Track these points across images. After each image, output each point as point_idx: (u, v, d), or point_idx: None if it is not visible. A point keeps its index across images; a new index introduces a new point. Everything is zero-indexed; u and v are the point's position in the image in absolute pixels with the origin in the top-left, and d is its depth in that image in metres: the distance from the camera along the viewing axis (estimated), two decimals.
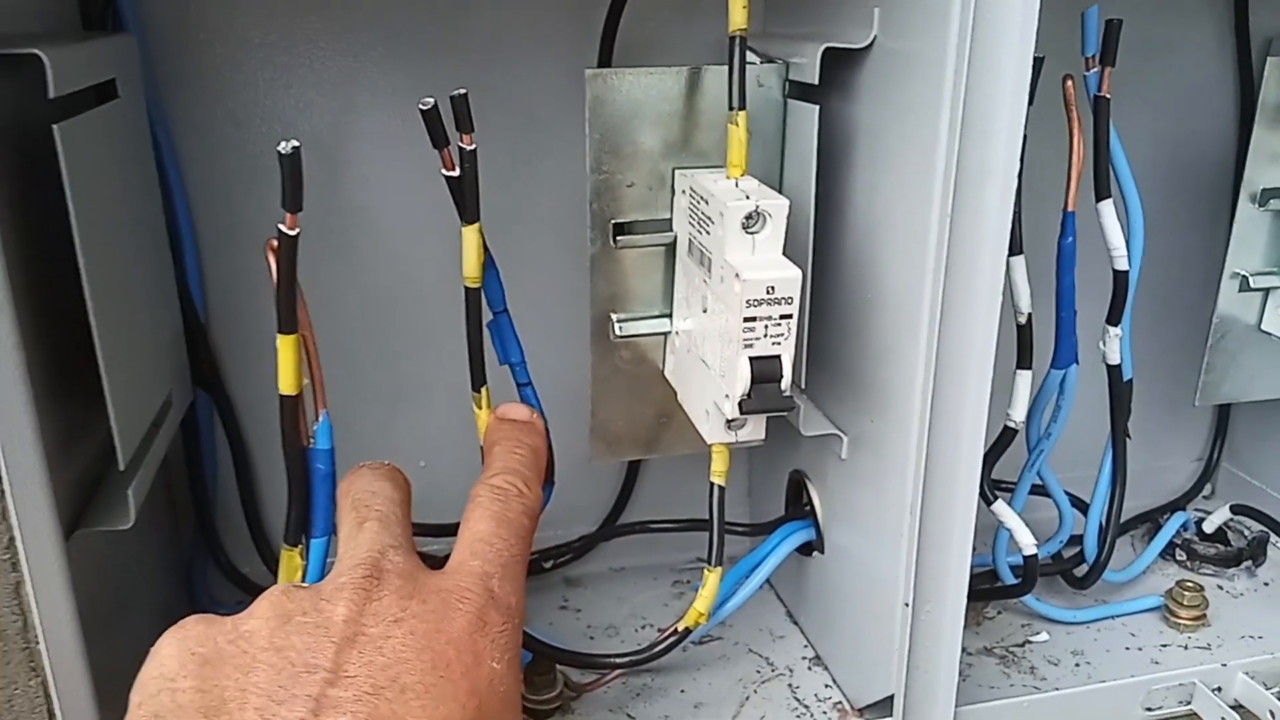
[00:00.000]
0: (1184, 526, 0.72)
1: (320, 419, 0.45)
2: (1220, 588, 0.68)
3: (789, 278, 0.43)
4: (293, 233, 0.40)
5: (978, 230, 0.45)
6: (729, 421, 0.46)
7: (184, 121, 0.56)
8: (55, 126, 0.38)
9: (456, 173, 0.47)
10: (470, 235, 0.48)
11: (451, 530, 0.61)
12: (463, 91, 0.45)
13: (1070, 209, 0.53)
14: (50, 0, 0.48)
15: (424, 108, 0.44)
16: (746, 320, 0.43)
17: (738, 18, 0.45)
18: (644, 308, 0.53)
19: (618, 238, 0.51)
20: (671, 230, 0.51)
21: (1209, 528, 0.71)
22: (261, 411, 0.61)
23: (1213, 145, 0.70)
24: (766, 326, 0.44)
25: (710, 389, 0.47)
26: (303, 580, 0.46)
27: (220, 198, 0.57)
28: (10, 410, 0.37)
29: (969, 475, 0.48)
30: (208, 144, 0.57)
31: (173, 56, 0.55)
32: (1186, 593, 0.64)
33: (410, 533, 0.39)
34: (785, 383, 0.44)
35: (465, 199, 0.47)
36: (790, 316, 0.44)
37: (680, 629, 0.53)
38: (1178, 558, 0.71)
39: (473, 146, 0.46)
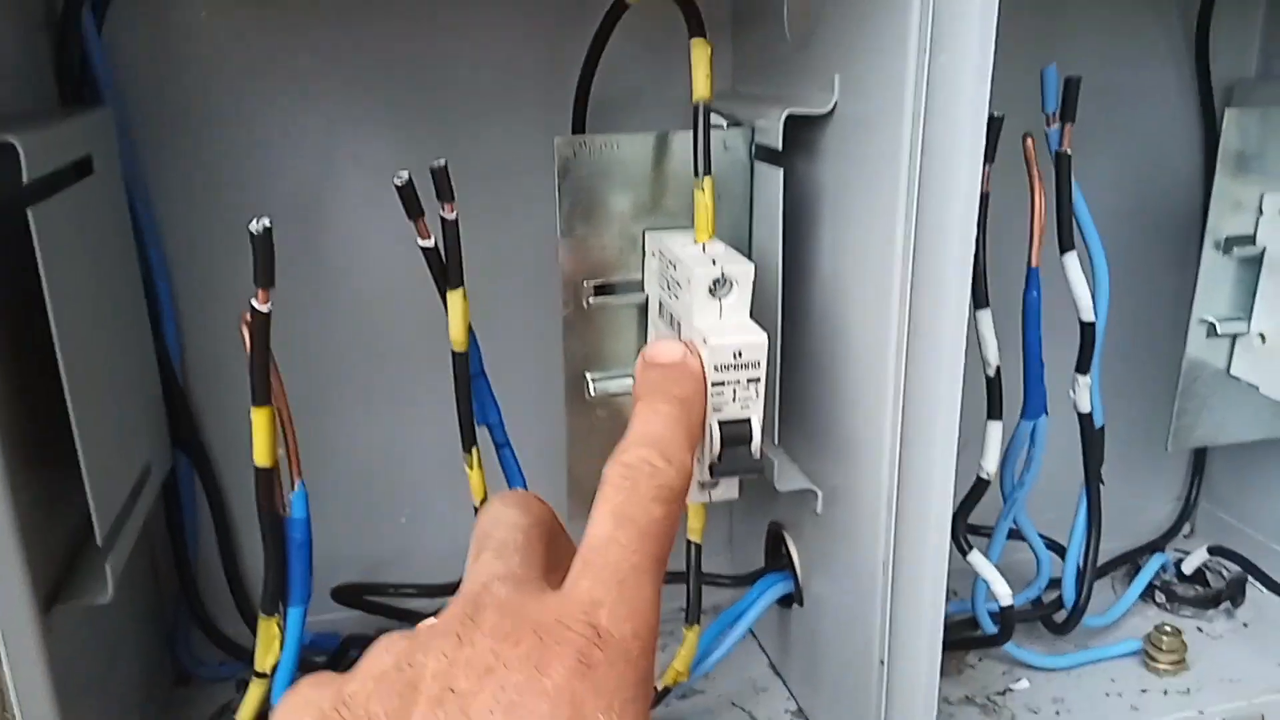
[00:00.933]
0: (1163, 568, 0.72)
1: (296, 488, 0.45)
2: (1200, 629, 0.68)
3: (755, 342, 0.44)
4: (265, 308, 0.41)
5: (939, 286, 0.45)
6: (702, 483, 0.47)
7: (161, 189, 0.57)
8: (29, 210, 0.39)
9: (431, 243, 0.48)
10: (455, 301, 0.49)
11: (441, 590, 0.62)
12: (442, 163, 0.46)
13: (1034, 264, 0.54)
14: (27, 77, 0.49)
15: (399, 183, 0.45)
16: (715, 384, 0.44)
17: (701, 87, 0.46)
18: (618, 366, 0.54)
19: (590, 299, 0.52)
20: (643, 291, 0.52)
21: (1188, 568, 0.72)
22: (242, 472, 0.61)
23: (1179, 191, 0.71)
24: (735, 390, 0.44)
25: None
26: (280, 649, 0.46)
27: (198, 261, 0.58)
28: None
29: (939, 529, 0.48)
30: (186, 210, 0.57)
31: (150, 126, 0.56)
32: (1165, 637, 0.64)
33: (537, 557, 0.34)
34: (755, 445, 0.45)
35: (449, 266, 0.48)
36: (758, 380, 0.44)
37: (659, 688, 0.53)
38: (1157, 599, 0.71)
39: (454, 215, 0.47)
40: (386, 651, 0.30)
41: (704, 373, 0.42)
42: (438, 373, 0.55)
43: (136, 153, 0.55)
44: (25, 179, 0.39)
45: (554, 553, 0.35)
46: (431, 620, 0.31)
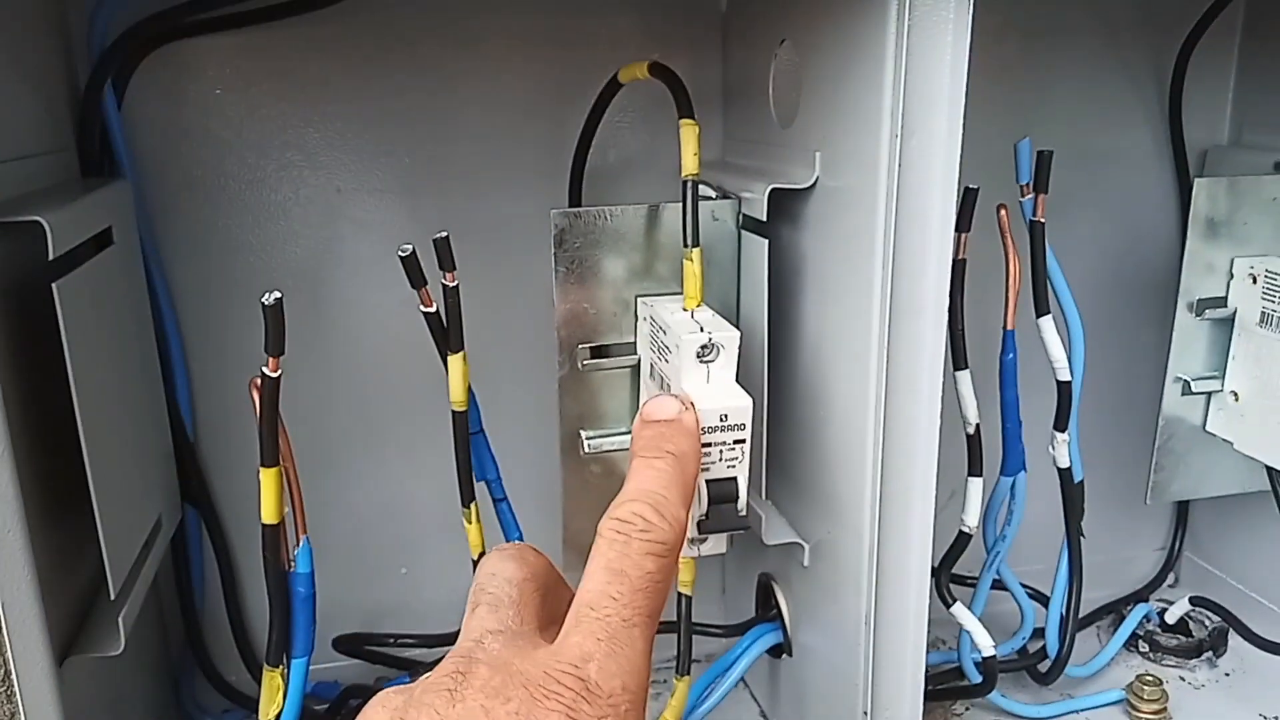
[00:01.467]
0: (1146, 618, 0.74)
1: (300, 544, 0.47)
2: (1182, 679, 0.70)
3: (741, 405, 0.46)
4: (275, 375, 0.43)
5: (915, 351, 0.48)
6: (691, 539, 0.49)
7: (176, 254, 0.59)
8: (54, 285, 0.41)
9: (433, 309, 0.50)
10: (456, 363, 0.51)
11: (439, 640, 0.63)
12: (444, 235, 0.48)
13: (1009, 327, 0.56)
14: (52, 151, 0.52)
15: (403, 254, 0.48)
16: (703, 446, 0.46)
17: (689, 165, 0.49)
18: (612, 424, 0.56)
19: (584, 361, 0.54)
20: (636, 353, 0.54)
21: (1171, 618, 0.73)
22: (248, 526, 0.64)
23: (1155, 253, 0.74)
24: (721, 451, 0.46)
25: None
26: (283, 699, 0.48)
27: (209, 323, 0.61)
28: (7, 551, 0.40)
29: (919, 583, 0.50)
30: (199, 274, 0.60)
31: (166, 195, 0.59)
32: (1147, 687, 0.65)
33: (531, 610, 0.35)
34: (741, 503, 0.47)
35: (450, 330, 0.51)
36: (744, 441, 0.46)
37: None
38: (1141, 649, 0.72)
39: (455, 284, 0.49)
40: (382, 708, 0.31)
41: (699, 428, 0.43)
42: (438, 430, 0.57)
43: (152, 222, 0.58)
44: (51, 255, 0.41)
45: (551, 603, 0.36)
46: (427, 676, 0.32)
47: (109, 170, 0.56)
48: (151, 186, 0.58)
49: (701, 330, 0.47)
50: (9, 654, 0.41)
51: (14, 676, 0.41)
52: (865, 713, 0.51)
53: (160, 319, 0.58)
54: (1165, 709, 0.65)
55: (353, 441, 0.65)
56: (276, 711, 0.48)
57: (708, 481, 0.46)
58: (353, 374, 0.64)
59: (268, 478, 0.45)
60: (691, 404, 0.44)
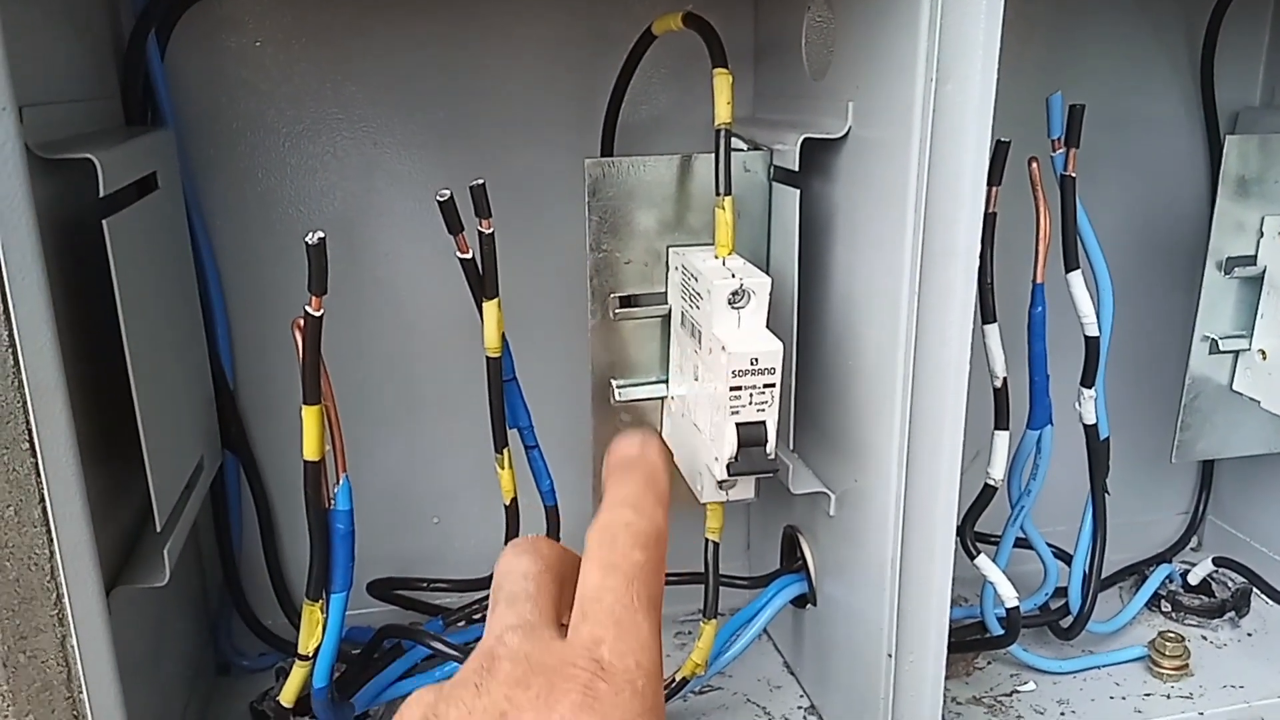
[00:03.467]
0: (1169, 578, 0.74)
1: (341, 482, 0.49)
2: (1204, 638, 0.70)
3: (771, 350, 0.47)
4: (318, 314, 0.44)
5: (945, 301, 0.48)
6: (720, 482, 0.50)
7: (217, 204, 0.60)
8: (105, 221, 0.42)
9: (469, 255, 0.51)
10: (490, 310, 0.52)
11: (471, 585, 0.65)
12: (480, 181, 0.49)
13: (1039, 281, 0.57)
14: (99, 101, 0.53)
15: (441, 199, 0.49)
16: (732, 389, 0.47)
17: (723, 113, 0.49)
18: (642, 374, 0.57)
19: (616, 310, 0.55)
20: (666, 303, 0.55)
21: (1194, 579, 0.74)
22: (286, 473, 0.65)
23: (1185, 213, 0.74)
24: (751, 395, 0.47)
25: (702, 452, 0.51)
26: (322, 633, 0.49)
27: (249, 273, 0.62)
28: (61, 480, 0.41)
29: (945, 530, 0.51)
30: (239, 225, 0.61)
31: (208, 145, 0.60)
32: (1169, 643, 0.66)
33: (549, 600, 0.37)
34: (770, 446, 0.48)
35: (485, 277, 0.52)
36: (773, 385, 0.47)
37: (679, 678, 0.56)
38: (1163, 609, 0.73)
39: (490, 230, 0.50)
40: (416, 704, 0.33)
41: (666, 455, 0.43)
42: (471, 381, 0.58)
43: (194, 172, 0.59)
44: (102, 192, 0.42)
45: (569, 591, 0.37)
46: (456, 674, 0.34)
47: (152, 120, 0.57)
48: (193, 137, 0.59)
49: (733, 276, 0.48)
50: (62, 579, 0.42)
51: (66, 601, 0.42)
52: (890, 654, 0.52)
53: (201, 267, 0.59)
54: (1187, 665, 0.66)
55: (387, 393, 0.66)
56: (316, 644, 0.50)
57: (737, 425, 0.47)
58: (388, 325, 0.65)
59: (310, 415, 0.46)
60: (657, 435, 0.45)
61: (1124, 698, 0.64)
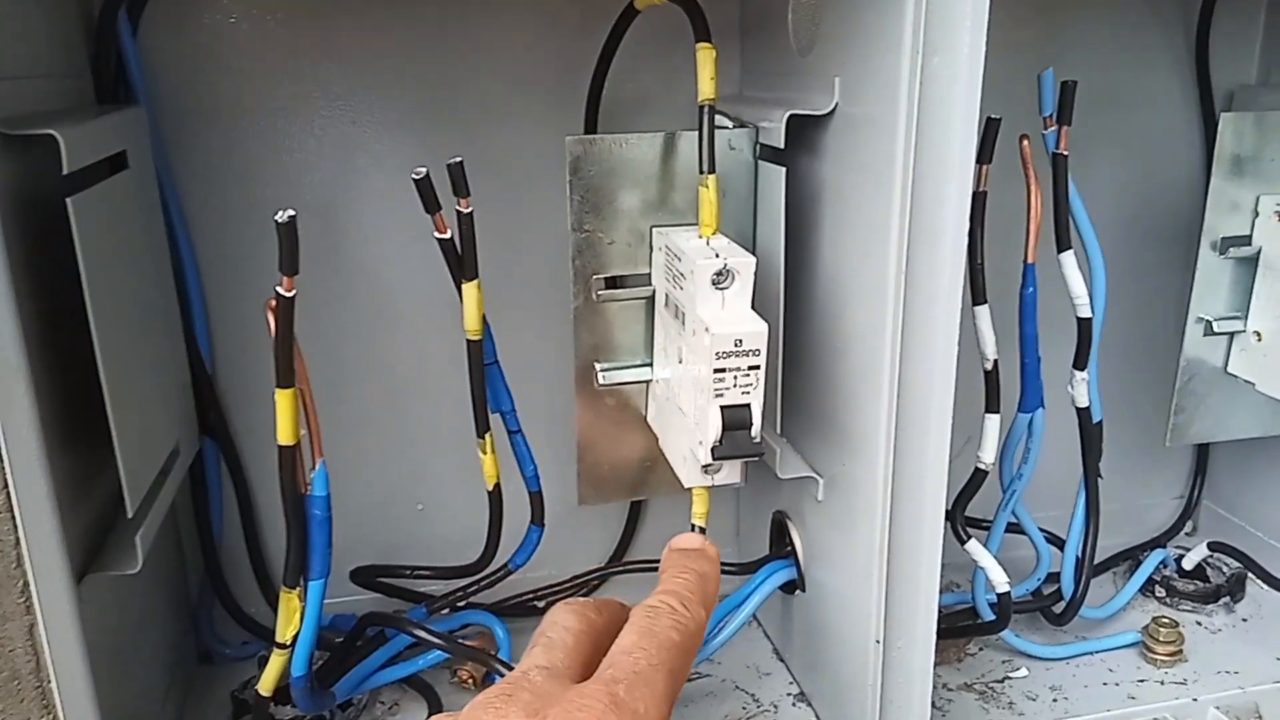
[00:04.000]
0: (1163, 563, 0.73)
1: (317, 467, 0.48)
2: (1198, 623, 0.69)
3: (756, 331, 0.46)
4: (289, 294, 0.43)
5: (933, 281, 0.47)
6: (704, 466, 0.49)
7: (192, 184, 0.59)
8: (69, 199, 0.41)
9: (447, 235, 0.50)
10: (470, 291, 0.51)
11: (455, 572, 0.64)
12: (459, 160, 0.48)
13: (1030, 260, 0.56)
14: (67, 77, 0.52)
15: (416, 177, 0.48)
16: (716, 371, 0.46)
17: (706, 89, 0.48)
18: (626, 357, 0.56)
19: (599, 292, 0.54)
20: (650, 284, 0.54)
21: (1188, 564, 0.73)
22: (265, 457, 0.64)
23: (1179, 193, 0.73)
24: (735, 377, 0.46)
25: (686, 435, 0.50)
26: (300, 621, 0.48)
27: (226, 254, 0.61)
28: (24, 462, 0.40)
29: (934, 516, 0.50)
30: (214, 205, 0.60)
31: (181, 124, 0.58)
32: (1162, 629, 0.65)
33: (580, 659, 0.41)
34: (755, 430, 0.47)
35: (464, 258, 0.50)
36: (758, 367, 0.46)
37: None
38: (1157, 594, 0.72)
39: (469, 210, 0.49)
40: None
41: (718, 560, 0.48)
42: (452, 365, 0.57)
43: (167, 150, 0.58)
44: (65, 169, 0.41)
45: (600, 658, 0.40)
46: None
47: (124, 98, 0.55)
48: (167, 115, 0.58)
49: (717, 256, 0.47)
50: (28, 566, 0.41)
51: (33, 589, 0.42)
52: (878, 640, 0.51)
53: (177, 249, 0.58)
54: (1181, 651, 0.65)
55: (367, 377, 0.65)
56: (294, 633, 0.49)
57: (721, 408, 0.46)
58: (368, 308, 0.64)
59: (283, 399, 0.45)
60: (712, 543, 0.49)
61: (1117, 684, 0.63)
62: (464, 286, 0.52)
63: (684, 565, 0.46)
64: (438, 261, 0.51)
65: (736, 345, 0.46)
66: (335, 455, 0.48)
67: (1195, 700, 0.60)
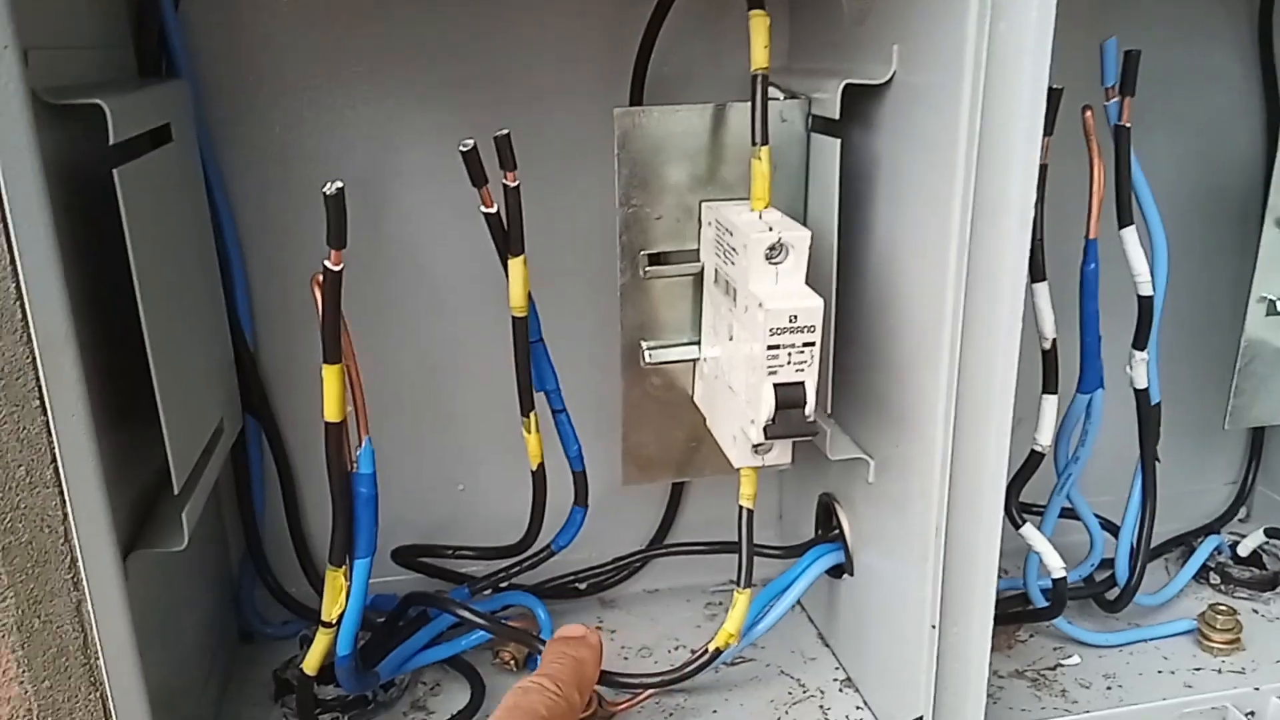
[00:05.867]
0: (1218, 550, 0.72)
1: (363, 445, 0.47)
2: (1255, 611, 0.68)
3: (811, 307, 0.45)
4: (337, 268, 0.43)
5: (997, 259, 0.46)
6: (755, 446, 0.48)
7: (234, 161, 0.59)
8: (115, 171, 0.40)
9: (493, 210, 0.49)
10: (516, 267, 0.51)
11: (497, 553, 0.63)
12: (505, 132, 0.47)
13: (1092, 236, 0.54)
14: (109, 50, 0.51)
15: (464, 149, 0.47)
16: (770, 348, 0.45)
17: (759, 58, 0.47)
18: (673, 335, 0.55)
19: (647, 268, 0.53)
20: (699, 261, 0.53)
21: (1243, 551, 0.71)
22: (308, 437, 0.63)
23: (1240, 171, 0.70)
24: (790, 354, 0.45)
25: (737, 414, 0.49)
26: (346, 600, 0.48)
27: (268, 232, 0.60)
28: (72, 438, 0.40)
29: (993, 497, 0.49)
30: (256, 182, 0.59)
31: (223, 100, 0.58)
32: (1220, 616, 0.63)
33: (565, 678, 0.47)
34: (809, 408, 0.46)
35: (510, 232, 0.50)
36: (813, 344, 0.45)
37: (711, 649, 0.54)
38: (1211, 581, 0.70)
39: (516, 183, 0.48)
40: None
41: (600, 647, 0.52)
42: (493, 344, 0.56)
43: (210, 127, 0.57)
44: (112, 139, 0.40)
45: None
46: None
47: (166, 72, 0.55)
48: (208, 90, 0.57)
49: (771, 230, 0.46)
50: (75, 542, 0.41)
51: (80, 564, 0.41)
52: (934, 626, 0.50)
53: (219, 226, 0.57)
54: (1239, 639, 0.63)
55: (406, 354, 0.64)
56: (340, 611, 0.48)
57: (775, 385, 0.45)
58: (410, 286, 0.63)
59: (330, 375, 0.44)
60: (597, 628, 0.56)
61: (1173, 672, 0.62)
62: (510, 262, 0.51)
63: (562, 651, 0.50)
64: (480, 239, 0.50)
65: (791, 321, 0.45)
66: (376, 435, 0.47)
67: (1258, 689, 0.59)
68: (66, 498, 0.40)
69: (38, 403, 0.39)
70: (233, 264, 0.59)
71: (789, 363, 0.45)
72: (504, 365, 0.54)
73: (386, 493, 0.49)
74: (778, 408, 0.45)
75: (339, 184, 0.41)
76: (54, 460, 0.39)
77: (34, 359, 0.38)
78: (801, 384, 0.45)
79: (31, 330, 0.38)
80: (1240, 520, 0.79)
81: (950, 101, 0.44)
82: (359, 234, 0.60)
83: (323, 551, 0.65)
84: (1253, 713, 0.58)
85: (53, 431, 0.39)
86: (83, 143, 0.41)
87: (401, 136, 0.60)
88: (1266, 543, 0.71)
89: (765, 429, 0.46)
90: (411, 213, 0.62)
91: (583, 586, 0.69)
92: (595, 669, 0.51)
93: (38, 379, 0.38)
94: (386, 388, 0.63)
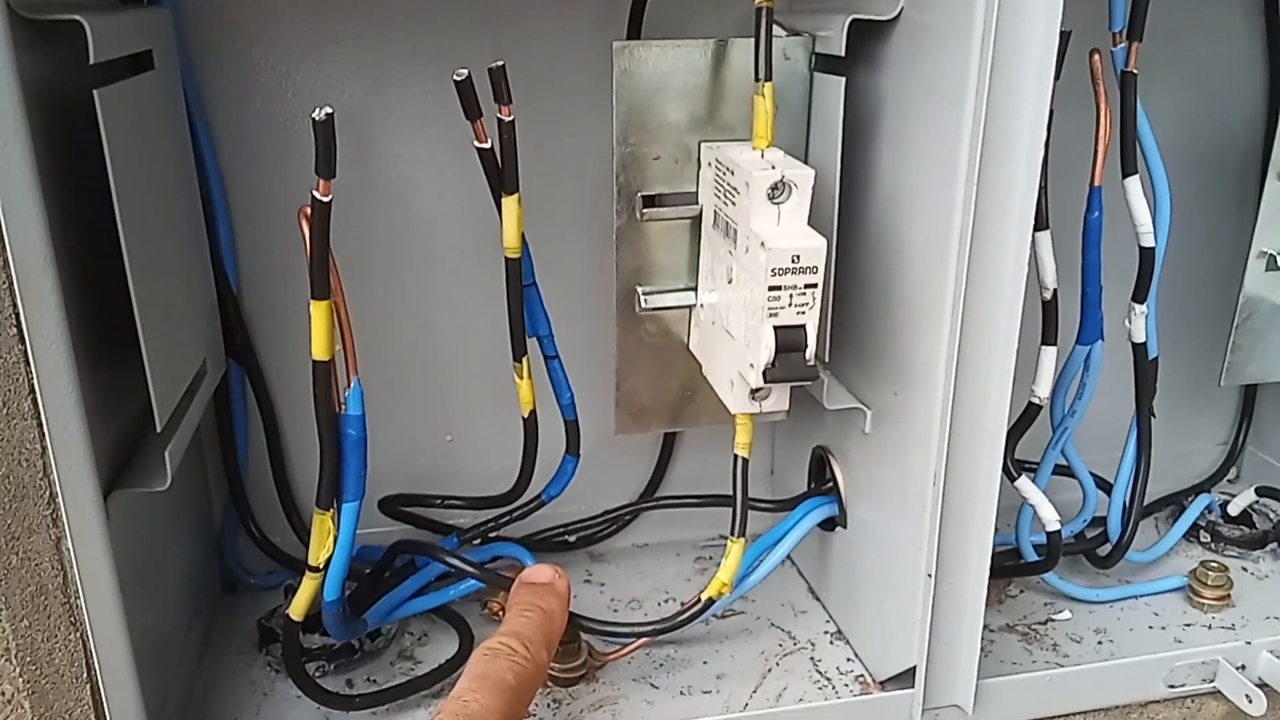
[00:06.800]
0: (1208, 509, 0.72)
1: (352, 385, 0.46)
2: (1245, 569, 0.68)
3: (814, 247, 0.43)
4: (325, 199, 0.41)
5: (1003, 204, 0.45)
6: (753, 391, 0.47)
7: (217, 95, 0.57)
8: (96, 92, 0.39)
9: (488, 145, 0.48)
10: (510, 205, 0.49)
11: (486, 503, 0.62)
12: (500, 63, 0.46)
13: (1097, 184, 0.53)
14: None
15: (458, 78, 0.45)
16: (771, 289, 0.44)
17: None
18: (669, 281, 0.54)
19: (644, 210, 0.52)
20: (697, 203, 0.52)
21: (1234, 510, 0.71)
22: (292, 382, 0.62)
23: (1241, 125, 0.70)
24: (791, 296, 0.44)
25: (735, 360, 0.48)
26: (333, 544, 0.47)
27: (252, 171, 0.58)
28: (51, 368, 0.38)
29: (992, 447, 0.48)
30: (240, 118, 0.57)
31: (206, 30, 0.56)
32: (1211, 573, 0.63)
33: (532, 635, 0.46)
34: (809, 352, 0.45)
35: (505, 169, 0.48)
36: (815, 286, 0.44)
37: (704, 599, 0.54)
38: (1202, 539, 0.70)
39: (511, 118, 0.47)
40: None
41: (569, 593, 0.51)
42: (482, 290, 0.55)
43: (192, 59, 0.55)
44: (92, 59, 0.39)
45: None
46: None
47: (148, 0, 0.53)
48: (191, 21, 0.55)
49: (774, 168, 0.44)
50: (55, 477, 0.39)
51: (60, 500, 0.40)
52: (929, 574, 0.50)
53: (201, 162, 0.56)
54: (1229, 595, 0.63)
55: (394, 298, 0.63)
56: (327, 555, 0.47)
57: (775, 328, 0.44)
58: (395, 225, 0.61)
59: (318, 311, 0.43)
60: (564, 571, 0.51)
61: (1164, 627, 0.62)
62: (504, 201, 0.49)
63: (530, 603, 0.48)
64: (470, 179, 0.49)
65: (794, 262, 0.43)
66: (364, 384, 0.46)
67: (1249, 644, 0.59)
68: (45, 430, 0.39)
69: (14, 331, 0.37)
70: (215, 202, 0.57)
71: (790, 304, 0.44)
72: (491, 313, 0.53)
73: (372, 442, 0.48)
74: (778, 351, 0.44)
75: (328, 109, 0.40)
76: (32, 391, 0.38)
77: (10, 284, 0.37)
78: (802, 327, 0.44)
79: (8, 253, 0.36)
80: (1230, 481, 0.79)
81: (960, 40, 0.43)
82: (345, 174, 0.58)
83: (307, 500, 0.64)
84: (1243, 666, 0.58)
85: (31, 361, 0.38)
86: (61, 63, 0.40)
87: (390, 72, 0.59)
88: (1257, 501, 0.71)
89: (765, 372, 0.45)
90: (399, 151, 0.60)
91: (572, 539, 0.68)
92: (563, 619, 0.50)
93: (14, 305, 0.37)
94: (373, 334, 0.62)
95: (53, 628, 0.42)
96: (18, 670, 0.41)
